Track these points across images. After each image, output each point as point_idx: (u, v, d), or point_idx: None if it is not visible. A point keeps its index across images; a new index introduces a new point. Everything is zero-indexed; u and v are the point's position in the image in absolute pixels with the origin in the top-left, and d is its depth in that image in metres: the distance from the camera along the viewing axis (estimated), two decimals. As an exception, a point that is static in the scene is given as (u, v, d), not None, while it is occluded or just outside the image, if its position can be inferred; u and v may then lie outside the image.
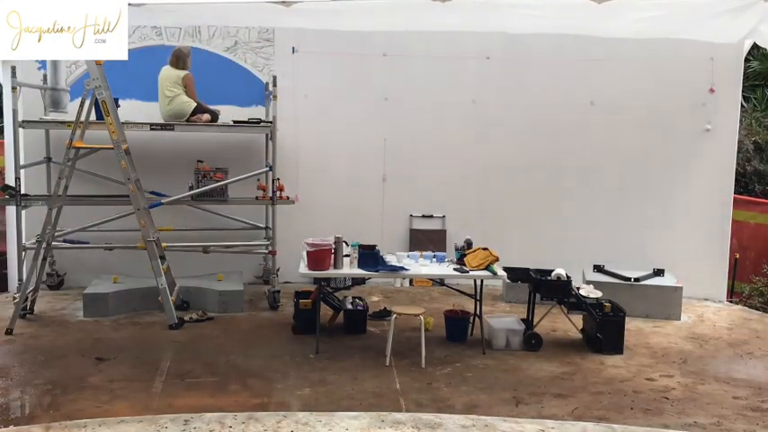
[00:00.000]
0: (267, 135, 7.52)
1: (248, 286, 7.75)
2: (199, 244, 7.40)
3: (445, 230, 8.31)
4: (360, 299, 6.84)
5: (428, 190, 8.37)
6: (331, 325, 6.56)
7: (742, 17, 6.36)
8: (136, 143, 6.99)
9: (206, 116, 7.22)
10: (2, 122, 9.36)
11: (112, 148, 6.57)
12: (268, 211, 7.64)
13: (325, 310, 6.52)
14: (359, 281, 6.52)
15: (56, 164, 7.35)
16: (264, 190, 7.44)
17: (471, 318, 6.42)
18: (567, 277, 6.29)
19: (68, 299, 7.40)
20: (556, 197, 8.27)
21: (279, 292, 7.29)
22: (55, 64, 6.99)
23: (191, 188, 7.30)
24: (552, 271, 6.32)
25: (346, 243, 6.00)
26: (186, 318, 6.72)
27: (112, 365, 5.51)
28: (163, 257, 6.82)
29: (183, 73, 7.18)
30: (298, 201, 7.67)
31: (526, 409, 4.83)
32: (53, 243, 6.94)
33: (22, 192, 6.91)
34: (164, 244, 6.96)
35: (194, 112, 7.16)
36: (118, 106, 6.77)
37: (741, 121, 9.46)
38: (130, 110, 7.40)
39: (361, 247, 6.02)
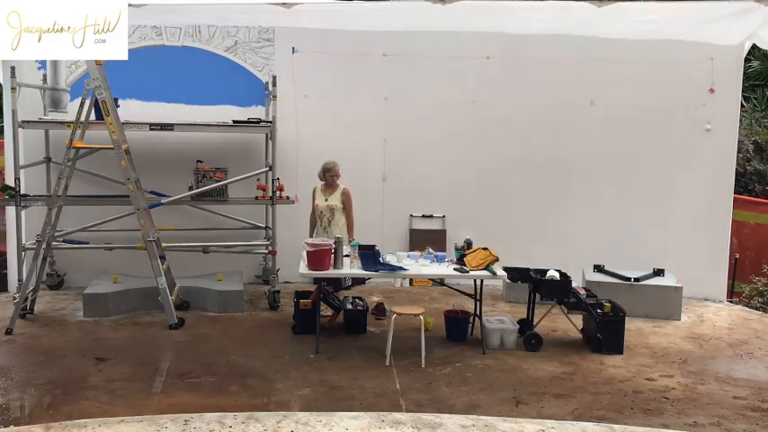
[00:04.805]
0: (267, 135, 7.52)
1: (248, 286, 7.75)
2: (199, 244, 7.41)
3: (445, 230, 8.30)
4: (360, 299, 6.84)
5: (428, 190, 8.37)
6: (331, 325, 6.56)
7: (742, 21, 6.34)
8: (136, 143, 7.00)
9: None
10: (2, 122, 9.36)
11: (112, 148, 6.57)
12: (268, 211, 7.64)
13: (326, 311, 6.51)
14: (359, 281, 6.51)
15: (56, 164, 7.35)
16: (264, 190, 7.44)
17: (471, 318, 6.43)
18: (567, 277, 6.29)
19: (68, 299, 7.39)
20: (556, 197, 8.27)
21: (279, 292, 7.29)
22: (55, 64, 7.00)
23: (191, 188, 7.30)
24: (547, 271, 6.33)
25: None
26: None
27: (112, 365, 5.51)
28: (163, 257, 6.82)
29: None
30: (298, 201, 7.67)
31: (526, 409, 4.83)
32: (53, 243, 6.94)
33: (22, 192, 6.91)
34: (164, 244, 6.96)
35: None
36: (118, 106, 6.77)
37: (741, 121, 9.46)
38: (130, 110, 7.41)
39: (361, 247, 6.02)
